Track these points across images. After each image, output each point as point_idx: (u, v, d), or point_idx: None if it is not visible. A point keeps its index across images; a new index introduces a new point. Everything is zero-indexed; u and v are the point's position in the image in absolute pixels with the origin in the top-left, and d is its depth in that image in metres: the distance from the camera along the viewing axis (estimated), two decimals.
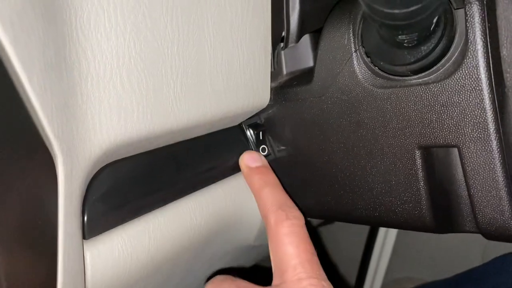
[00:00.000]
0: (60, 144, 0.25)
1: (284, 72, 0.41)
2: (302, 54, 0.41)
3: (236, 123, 0.41)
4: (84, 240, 0.30)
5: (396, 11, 0.22)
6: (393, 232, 0.94)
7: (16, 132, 0.23)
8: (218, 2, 0.33)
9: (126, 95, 0.29)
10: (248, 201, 0.41)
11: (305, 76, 0.39)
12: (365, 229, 0.98)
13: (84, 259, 0.30)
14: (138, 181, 0.34)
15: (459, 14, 0.30)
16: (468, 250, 0.85)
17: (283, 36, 0.40)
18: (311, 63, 0.41)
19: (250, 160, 0.40)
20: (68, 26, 0.25)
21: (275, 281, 0.33)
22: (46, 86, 0.24)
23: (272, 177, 0.39)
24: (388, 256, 0.96)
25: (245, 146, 0.42)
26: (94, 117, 0.27)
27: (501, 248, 0.66)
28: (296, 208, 0.36)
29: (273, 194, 0.37)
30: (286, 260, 0.33)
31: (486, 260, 0.71)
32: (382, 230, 0.95)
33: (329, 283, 0.32)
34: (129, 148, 0.31)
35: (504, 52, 0.27)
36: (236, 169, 0.41)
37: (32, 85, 0.22)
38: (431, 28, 0.28)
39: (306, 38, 0.41)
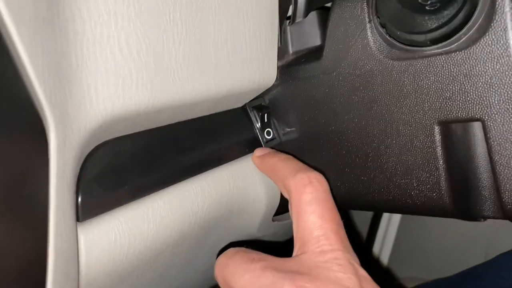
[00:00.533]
0: (52, 109, 0.23)
1: (290, 50, 0.39)
2: (309, 32, 0.39)
3: (240, 104, 0.39)
4: (78, 223, 0.27)
5: None
6: (392, 231, 0.92)
7: (2, 92, 0.21)
8: None
9: (125, 62, 0.26)
10: (253, 187, 0.38)
11: (313, 53, 0.37)
12: (364, 228, 0.96)
13: (78, 243, 0.27)
14: (137, 162, 0.31)
15: None
16: (469, 249, 0.83)
17: (289, 15, 0.38)
18: (318, 42, 0.39)
19: (259, 151, 0.39)
20: None
21: (295, 252, 0.31)
22: (37, 41, 0.21)
23: (284, 154, 0.37)
24: (387, 255, 0.94)
25: (249, 128, 0.39)
26: (89, 84, 0.25)
27: (503, 246, 0.64)
28: (317, 171, 0.33)
29: (288, 163, 0.35)
30: (308, 230, 0.30)
31: (488, 258, 0.69)
32: (381, 229, 0.93)
33: (355, 256, 0.29)
34: (127, 123, 0.29)
35: None
36: (240, 153, 0.38)
37: (21, 35, 0.20)
38: None
39: (313, 15, 0.39)
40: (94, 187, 0.29)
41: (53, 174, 0.23)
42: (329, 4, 0.37)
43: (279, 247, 0.48)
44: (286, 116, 0.39)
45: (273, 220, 0.43)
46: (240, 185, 0.37)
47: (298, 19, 0.37)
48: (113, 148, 0.30)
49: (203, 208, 0.34)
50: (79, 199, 0.28)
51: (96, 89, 0.25)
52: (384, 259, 0.94)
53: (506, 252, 0.63)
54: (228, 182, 0.36)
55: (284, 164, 0.35)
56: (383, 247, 0.93)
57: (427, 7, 0.26)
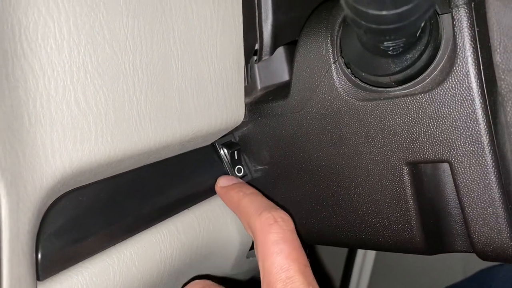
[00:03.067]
0: (3, 173, 0.22)
1: (259, 87, 0.38)
2: (277, 67, 0.38)
3: (209, 143, 0.38)
4: (38, 282, 0.26)
5: (385, 12, 0.19)
6: (371, 251, 0.92)
7: None
8: (185, 12, 0.30)
9: (82, 115, 0.25)
10: (224, 228, 0.37)
11: (281, 90, 0.37)
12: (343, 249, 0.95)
13: None
14: (100, 211, 0.30)
15: (445, 19, 0.28)
16: (449, 265, 0.83)
17: (256, 49, 0.37)
18: (286, 77, 0.38)
19: (224, 181, 0.38)
20: (10, 39, 0.22)
21: None
22: None
23: (251, 188, 0.36)
24: (368, 274, 0.94)
25: (219, 167, 0.39)
26: (45, 141, 0.24)
27: (481, 262, 0.64)
28: (282, 210, 0.32)
29: (254, 200, 0.34)
30: (275, 272, 0.29)
31: (467, 274, 0.69)
32: (360, 251, 0.93)
33: None
34: (88, 175, 0.28)
35: (497, 58, 0.26)
36: (209, 192, 0.37)
37: None
38: (417, 34, 0.26)
39: (280, 51, 0.38)
40: (55, 243, 0.27)
41: (6, 242, 0.22)
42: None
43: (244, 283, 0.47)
44: (257, 152, 0.39)
45: (247, 257, 0.42)
46: (211, 227, 0.36)
47: (264, 57, 0.37)
48: (74, 199, 0.29)
49: (172, 255, 0.33)
50: (39, 257, 0.26)
51: (52, 146, 0.24)
52: (365, 277, 0.94)
53: (485, 268, 0.63)
54: (198, 224, 0.35)
55: (249, 201, 0.34)
56: (364, 266, 0.93)
57: (389, 52, 0.26)
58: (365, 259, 0.92)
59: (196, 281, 0.34)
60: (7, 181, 0.22)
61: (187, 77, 0.31)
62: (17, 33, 0.22)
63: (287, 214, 0.32)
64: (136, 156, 0.30)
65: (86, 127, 0.26)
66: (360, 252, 0.92)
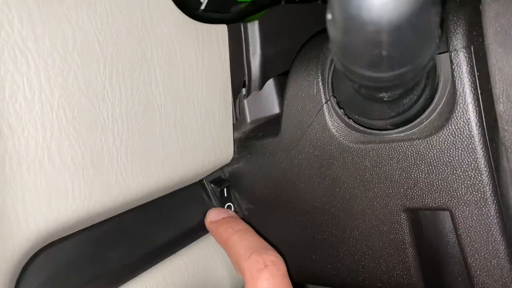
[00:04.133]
0: None
1: (248, 121, 0.37)
2: (267, 99, 0.37)
3: (196, 180, 0.36)
4: None
5: (382, 74, 0.18)
6: None
7: None
8: (168, 54, 0.29)
9: (57, 173, 0.24)
10: (214, 271, 0.36)
11: (271, 126, 0.35)
12: None
13: None
14: (79, 265, 0.28)
15: (442, 59, 0.26)
16: None
17: (245, 81, 0.36)
18: (276, 110, 0.37)
19: (214, 215, 0.36)
20: None
21: None
22: None
23: (241, 224, 0.34)
24: None
25: (207, 205, 0.37)
26: (16, 206, 0.22)
27: None
28: (273, 250, 0.31)
29: (243, 239, 0.32)
30: None
31: None
32: None
33: None
34: (67, 230, 0.26)
35: (500, 107, 0.24)
36: (198, 234, 0.36)
37: None
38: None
39: (269, 83, 0.37)
40: None
41: None
42: None
43: None
44: (247, 190, 0.37)
45: None
46: (200, 271, 0.35)
47: (253, 92, 0.35)
48: (51, 254, 0.27)
49: None
50: None
51: (24, 209, 0.23)
52: None
53: None
54: (186, 269, 0.34)
55: (238, 240, 0.32)
56: None
57: (385, 99, 0.25)
58: None
59: None
60: None
61: (171, 121, 0.29)
62: None
63: (278, 256, 0.30)
64: (117, 208, 0.28)
65: (62, 185, 0.24)
66: None
